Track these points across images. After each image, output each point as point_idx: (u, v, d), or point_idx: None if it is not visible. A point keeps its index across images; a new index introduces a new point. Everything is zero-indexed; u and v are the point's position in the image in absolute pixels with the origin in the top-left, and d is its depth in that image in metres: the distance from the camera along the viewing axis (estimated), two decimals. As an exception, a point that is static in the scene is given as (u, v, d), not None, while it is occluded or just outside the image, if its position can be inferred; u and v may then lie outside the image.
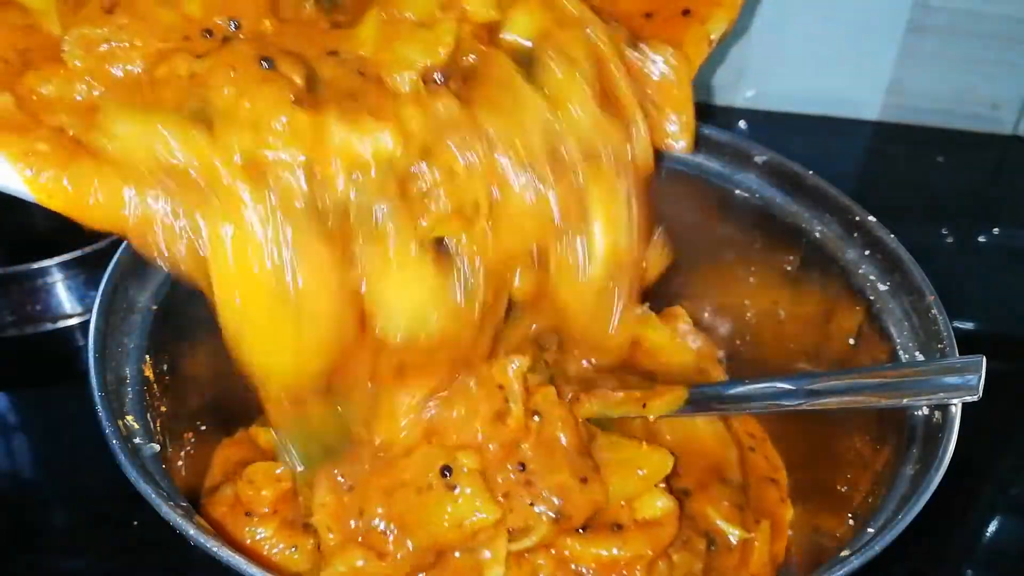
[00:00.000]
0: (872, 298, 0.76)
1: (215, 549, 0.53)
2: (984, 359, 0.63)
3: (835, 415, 0.79)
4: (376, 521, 0.66)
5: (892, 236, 0.76)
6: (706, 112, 1.38)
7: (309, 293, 0.55)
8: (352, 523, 0.67)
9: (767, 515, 0.81)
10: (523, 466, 0.68)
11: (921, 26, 1.28)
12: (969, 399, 0.63)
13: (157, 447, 0.63)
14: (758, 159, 0.84)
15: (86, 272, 0.98)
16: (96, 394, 0.61)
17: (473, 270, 0.59)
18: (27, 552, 0.80)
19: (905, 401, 0.67)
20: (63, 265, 0.96)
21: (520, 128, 0.58)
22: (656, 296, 0.94)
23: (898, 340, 0.74)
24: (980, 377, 0.62)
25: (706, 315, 0.94)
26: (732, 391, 0.78)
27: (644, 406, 0.78)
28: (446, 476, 0.65)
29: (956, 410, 0.64)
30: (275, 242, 0.53)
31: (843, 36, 1.30)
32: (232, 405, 0.82)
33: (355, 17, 0.60)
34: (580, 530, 0.70)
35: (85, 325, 0.83)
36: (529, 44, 0.61)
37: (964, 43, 1.29)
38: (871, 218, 0.77)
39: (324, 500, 0.67)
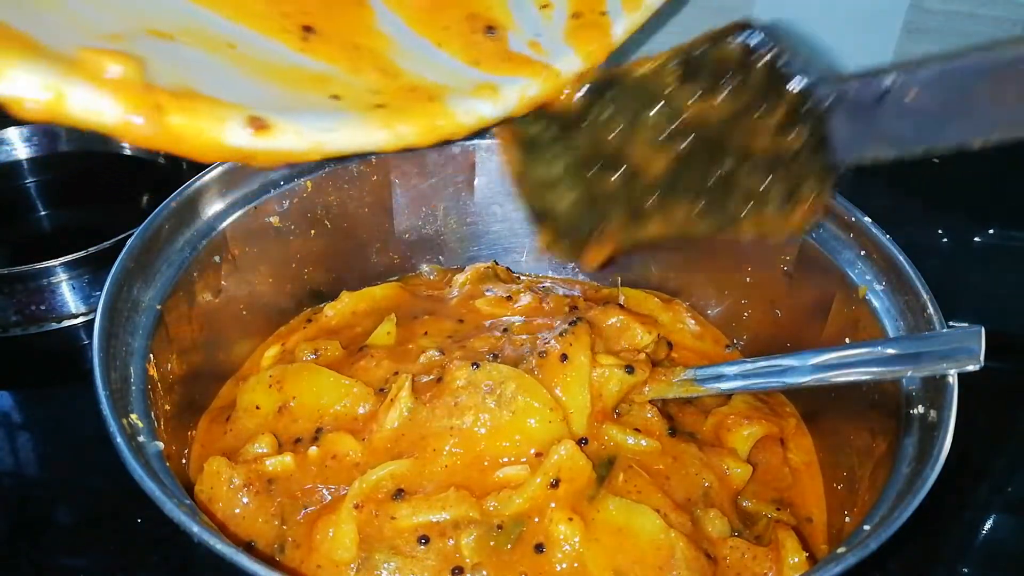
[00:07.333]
0: (868, 298, 0.76)
1: (218, 547, 0.53)
2: (983, 329, 0.62)
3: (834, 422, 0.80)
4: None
5: (887, 237, 0.76)
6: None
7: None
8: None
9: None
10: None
11: (917, 28, 1.28)
12: (971, 368, 0.63)
13: (161, 445, 0.63)
14: (755, 160, 0.84)
15: (91, 272, 0.98)
16: (101, 393, 0.62)
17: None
18: (31, 549, 0.80)
19: (910, 372, 0.67)
20: (68, 265, 0.97)
21: None
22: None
23: (894, 340, 0.74)
24: (981, 345, 0.62)
25: (703, 315, 0.95)
26: (736, 369, 0.77)
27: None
28: None
29: (951, 413, 0.64)
30: None
31: (839, 38, 1.30)
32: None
33: None
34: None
35: (90, 325, 0.84)
36: None
37: (960, 45, 1.29)
38: (867, 219, 0.78)
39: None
